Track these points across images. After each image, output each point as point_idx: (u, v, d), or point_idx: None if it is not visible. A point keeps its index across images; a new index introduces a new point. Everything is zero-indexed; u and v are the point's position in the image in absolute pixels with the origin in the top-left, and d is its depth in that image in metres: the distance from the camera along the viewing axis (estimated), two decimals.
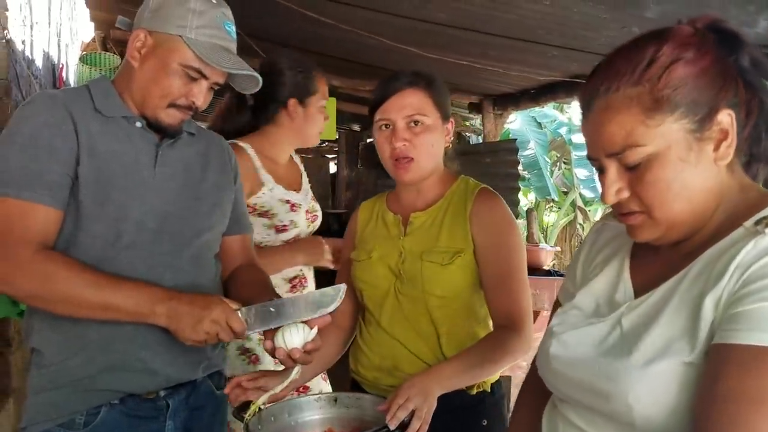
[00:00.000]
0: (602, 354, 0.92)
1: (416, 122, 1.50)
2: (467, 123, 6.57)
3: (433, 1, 2.71)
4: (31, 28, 3.00)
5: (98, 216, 1.34)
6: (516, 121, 9.64)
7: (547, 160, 10.00)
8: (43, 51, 3.39)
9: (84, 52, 4.43)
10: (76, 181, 1.33)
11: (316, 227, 2.24)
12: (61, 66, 3.95)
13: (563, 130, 10.25)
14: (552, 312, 1.14)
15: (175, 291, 1.34)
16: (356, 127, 7.41)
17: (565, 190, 10.88)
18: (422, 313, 1.53)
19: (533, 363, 1.14)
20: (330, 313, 1.32)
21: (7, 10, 2.46)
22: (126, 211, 1.36)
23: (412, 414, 1.25)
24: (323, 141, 7.32)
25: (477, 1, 2.60)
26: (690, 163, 0.87)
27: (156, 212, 1.40)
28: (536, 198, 10.63)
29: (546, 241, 9.91)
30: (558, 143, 10.58)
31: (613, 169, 0.91)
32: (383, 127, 1.52)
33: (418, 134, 1.50)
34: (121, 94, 1.43)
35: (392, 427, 1.21)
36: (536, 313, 3.65)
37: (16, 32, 2.61)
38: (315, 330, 1.31)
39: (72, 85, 4.20)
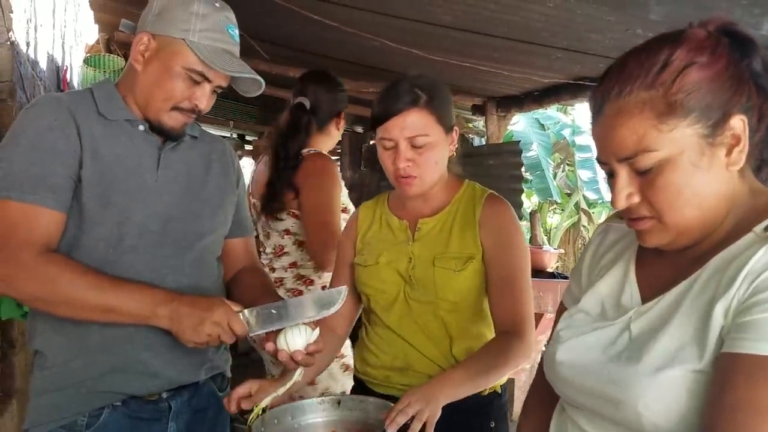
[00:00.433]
0: (611, 360, 0.92)
1: (419, 142, 1.48)
2: (470, 125, 6.56)
3: (437, 3, 2.71)
4: (36, 30, 3.01)
5: (101, 219, 1.34)
6: (519, 123, 9.63)
7: (550, 161, 9.99)
8: (48, 53, 3.40)
9: (88, 54, 4.45)
10: (79, 184, 1.33)
11: None
12: (65, 68, 3.96)
13: (566, 132, 10.25)
14: (557, 315, 1.13)
15: (176, 293, 1.34)
16: (359, 129, 7.40)
17: (569, 192, 10.87)
18: (432, 318, 1.53)
19: (539, 367, 1.13)
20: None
21: (11, 12, 2.47)
22: (128, 214, 1.36)
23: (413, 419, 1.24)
24: None
25: (481, 3, 2.60)
26: (702, 169, 0.86)
27: (158, 215, 1.40)
28: (539, 200, 10.61)
29: (549, 244, 9.90)
30: (561, 145, 10.57)
31: (623, 173, 0.90)
32: (386, 145, 1.50)
33: (422, 153, 1.48)
34: (124, 97, 1.43)
35: (390, 431, 1.20)
36: (539, 316, 3.64)
37: (20, 34, 2.62)
38: (317, 331, 1.31)
39: (76, 87, 4.21)
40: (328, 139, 2.42)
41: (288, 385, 1.33)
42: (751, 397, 0.75)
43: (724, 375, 0.78)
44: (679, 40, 0.87)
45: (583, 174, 9.80)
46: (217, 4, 1.40)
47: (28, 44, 2.84)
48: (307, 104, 2.32)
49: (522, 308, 1.50)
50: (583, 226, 10.86)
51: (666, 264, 0.96)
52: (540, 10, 2.58)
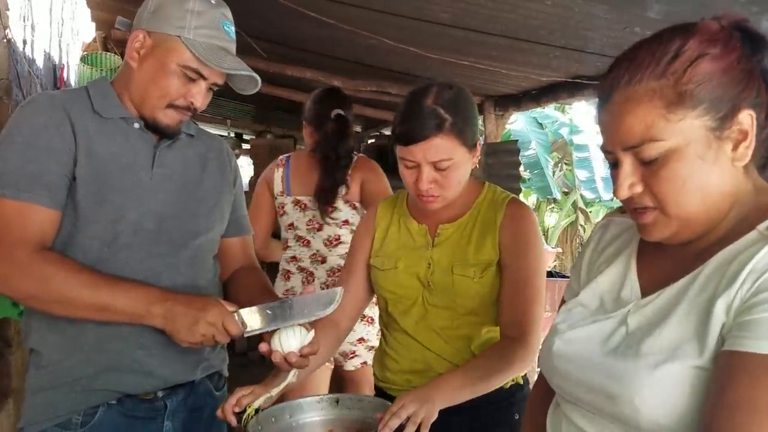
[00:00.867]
0: (608, 353, 0.91)
1: (443, 165, 1.44)
2: None
3: (435, 1, 2.71)
4: (33, 28, 3.00)
5: (95, 217, 1.33)
6: (517, 122, 9.64)
7: (549, 159, 10.00)
8: (44, 51, 3.39)
9: (85, 53, 4.43)
10: (73, 182, 1.32)
11: None
12: (62, 66, 3.95)
13: (564, 131, 10.25)
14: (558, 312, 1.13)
15: (171, 292, 1.33)
16: (357, 128, 7.40)
17: (566, 191, 10.88)
18: (450, 323, 1.52)
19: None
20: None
21: (8, 9, 2.46)
22: (123, 212, 1.36)
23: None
24: None
25: (479, 1, 2.59)
26: (708, 162, 0.85)
27: (153, 213, 1.40)
28: (537, 199, 10.63)
29: (547, 243, 9.91)
30: (559, 144, 10.58)
31: (628, 162, 0.89)
32: (408, 165, 1.46)
33: (446, 174, 1.45)
34: (120, 94, 1.42)
35: None
36: None
37: (17, 32, 2.61)
38: (312, 333, 1.31)
39: (73, 85, 4.20)
40: None
41: (282, 386, 1.33)
42: (752, 396, 0.74)
43: (725, 373, 0.78)
44: (692, 31, 0.87)
45: (581, 173, 9.81)
46: (212, 1, 1.40)
47: (24, 42, 2.83)
48: (349, 116, 2.71)
49: (529, 315, 1.48)
50: (581, 225, 10.87)
51: (667, 259, 0.95)
52: (538, 8, 2.57)
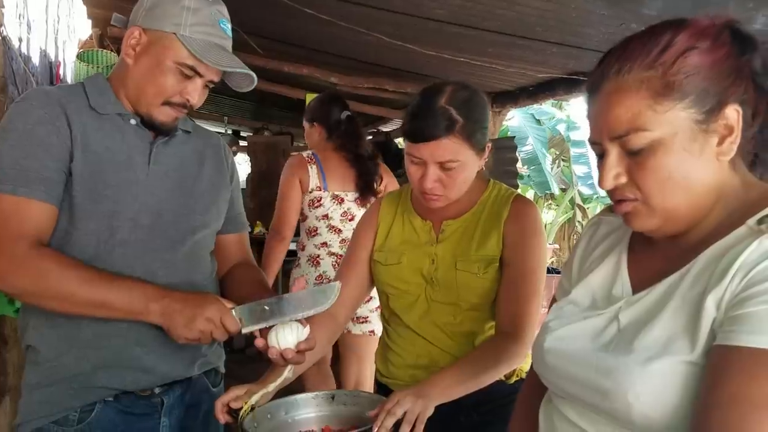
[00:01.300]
0: (599, 349, 0.92)
1: (449, 166, 1.43)
2: None
3: None
4: (28, 25, 2.99)
5: (92, 213, 1.33)
6: (514, 119, 9.64)
7: (546, 154, 10.00)
8: (40, 48, 3.38)
9: (81, 50, 4.41)
10: (69, 178, 1.32)
11: None
12: (58, 63, 3.93)
13: (561, 127, 10.26)
14: (549, 309, 1.13)
15: (168, 289, 1.33)
16: None
17: (564, 187, 10.88)
18: (452, 318, 1.53)
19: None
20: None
21: (3, 7, 2.45)
22: (119, 209, 1.36)
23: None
24: None
25: None
26: (693, 155, 0.86)
27: (149, 210, 1.40)
28: (535, 195, 10.62)
29: None
30: (556, 140, 10.58)
31: (614, 153, 0.90)
32: (414, 161, 1.45)
33: (452, 175, 1.44)
34: (116, 91, 1.42)
35: None
36: None
37: (12, 29, 2.60)
38: (308, 329, 1.30)
39: (69, 83, 4.18)
40: None
41: (278, 383, 1.33)
42: (745, 390, 0.75)
43: (717, 368, 0.78)
44: (683, 25, 0.88)
45: (578, 169, 9.81)
46: None
47: (20, 40, 2.83)
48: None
49: (525, 311, 1.48)
50: (578, 221, 10.87)
51: (657, 255, 0.95)
52: (534, 5, 2.57)
